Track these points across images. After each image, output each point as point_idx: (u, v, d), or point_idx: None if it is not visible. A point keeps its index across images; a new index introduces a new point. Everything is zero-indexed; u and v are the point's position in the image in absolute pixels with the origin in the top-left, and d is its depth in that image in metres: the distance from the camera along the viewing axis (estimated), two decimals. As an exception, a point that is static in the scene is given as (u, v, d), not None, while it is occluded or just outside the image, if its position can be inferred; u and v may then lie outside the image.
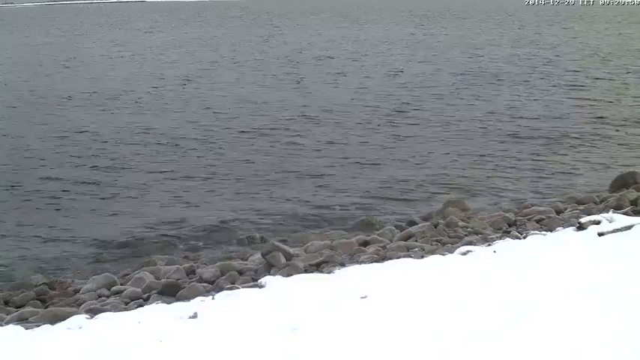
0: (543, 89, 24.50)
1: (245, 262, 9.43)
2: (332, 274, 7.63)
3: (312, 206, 12.31)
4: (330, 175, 14.32)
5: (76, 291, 8.77)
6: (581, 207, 11.12)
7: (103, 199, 12.97)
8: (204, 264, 9.56)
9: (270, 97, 24.03)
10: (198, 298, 7.11)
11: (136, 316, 6.33)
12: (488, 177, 13.92)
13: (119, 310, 7.26)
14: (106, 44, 48.57)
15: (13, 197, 13.14)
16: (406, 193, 13.02)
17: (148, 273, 8.97)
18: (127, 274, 9.34)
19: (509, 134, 17.60)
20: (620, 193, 11.44)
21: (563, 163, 14.80)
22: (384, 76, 28.43)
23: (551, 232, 9.15)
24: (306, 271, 8.25)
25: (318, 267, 8.61)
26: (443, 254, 8.07)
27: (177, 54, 40.21)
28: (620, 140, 16.72)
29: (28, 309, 7.96)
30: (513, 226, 10.33)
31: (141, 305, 7.65)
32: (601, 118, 19.39)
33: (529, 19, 67.77)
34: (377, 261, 8.34)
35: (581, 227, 8.48)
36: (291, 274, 7.91)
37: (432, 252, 8.59)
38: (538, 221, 10.35)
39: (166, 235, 11.13)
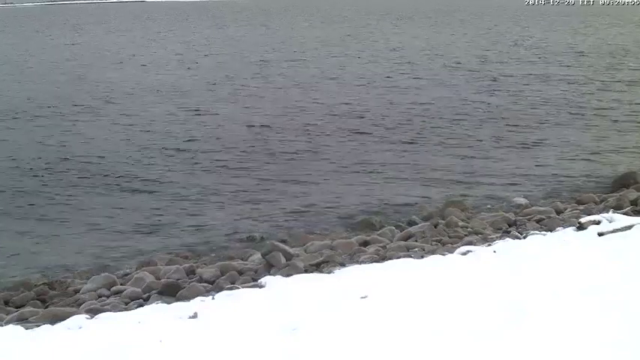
0: (542, 90, 24.49)
1: (245, 262, 9.43)
2: (332, 274, 7.64)
3: (312, 206, 12.30)
4: (330, 175, 14.31)
5: (76, 291, 8.77)
6: (581, 207, 11.13)
7: (103, 199, 12.96)
8: (204, 264, 9.56)
9: (269, 98, 24.00)
10: (198, 298, 7.12)
11: (136, 316, 6.34)
12: (488, 177, 13.91)
13: (119, 310, 7.27)
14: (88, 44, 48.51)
15: (13, 197, 13.12)
16: (406, 193, 13.01)
17: (147, 273, 8.97)
18: (127, 274, 9.34)
19: (509, 135, 17.58)
20: (620, 193, 11.46)
21: (564, 163, 14.79)
22: (379, 77, 28.33)
23: (551, 232, 9.16)
24: (306, 271, 8.26)
25: (318, 267, 8.61)
26: (443, 254, 8.08)
27: (164, 54, 40.13)
28: (620, 140, 16.72)
29: (28, 309, 7.96)
30: (513, 226, 10.34)
31: (141, 305, 7.66)
32: (600, 118, 19.39)
33: (528, 19, 67.78)
34: (377, 261, 8.35)
35: (581, 227, 8.49)
36: (291, 274, 7.91)
37: (432, 252, 8.60)
38: (538, 221, 10.36)
39: (166, 235, 11.12)
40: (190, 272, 9.05)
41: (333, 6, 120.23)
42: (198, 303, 6.70)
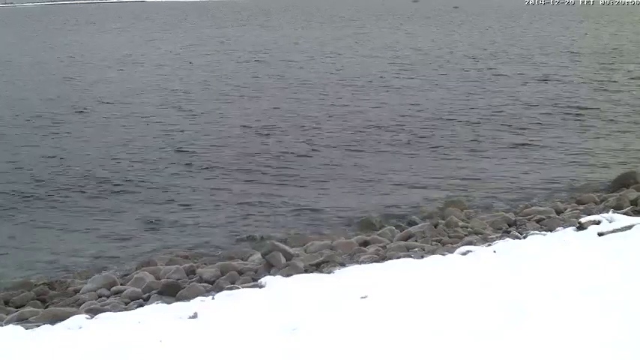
0: (540, 90, 24.48)
1: (245, 262, 9.42)
2: (332, 274, 7.64)
3: (312, 206, 12.30)
4: (330, 175, 14.31)
5: (76, 291, 8.77)
6: (581, 207, 11.13)
7: (103, 199, 12.96)
8: (204, 264, 9.56)
9: (267, 99, 23.99)
10: (198, 298, 7.12)
11: (136, 316, 6.34)
12: (489, 177, 13.91)
13: (119, 310, 7.27)
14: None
15: (13, 198, 13.13)
16: (406, 193, 13.00)
17: (148, 273, 8.97)
18: (127, 274, 9.34)
19: (509, 135, 17.59)
20: (620, 193, 11.45)
21: (563, 163, 14.79)
22: (377, 78, 28.29)
23: (551, 232, 9.16)
24: (306, 271, 8.26)
25: (318, 267, 8.61)
26: (443, 254, 8.08)
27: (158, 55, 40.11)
28: (620, 140, 16.72)
29: (28, 309, 7.96)
30: (513, 226, 10.34)
31: (141, 305, 7.66)
32: (600, 118, 19.39)
33: (527, 19, 67.80)
34: (377, 261, 8.35)
35: (581, 227, 8.49)
36: (291, 274, 7.92)
37: (432, 252, 8.60)
38: (538, 221, 10.36)
39: (166, 235, 11.12)
40: (190, 272, 9.05)
41: (332, 6, 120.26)
42: (198, 303, 6.70)
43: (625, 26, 54.06)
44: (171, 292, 8.08)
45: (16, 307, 8.25)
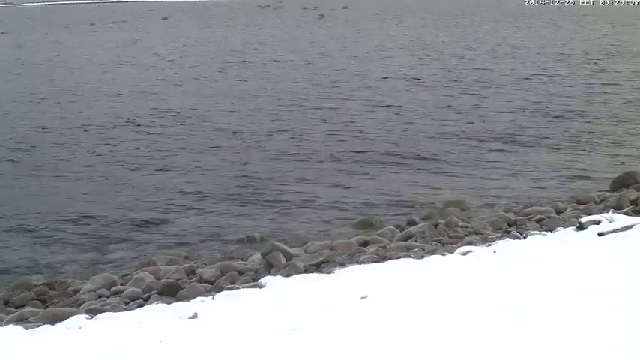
0: (540, 91, 24.48)
1: (245, 262, 9.42)
2: (332, 274, 7.64)
3: (311, 206, 12.31)
4: (329, 175, 14.32)
5: (76, 291, 8.76)
6: (581, 207, 11.12)
7: (103, 199, 12.96)
8: (204, 264, 9.56)
9: (263, 100, 23.97)
10: (198, 298, 7.12)
11: (136, 316, 6.34)
12: (488, 177, 13.92)
13: (119, 310, 7.26)
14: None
15: (13, 196, 13.14)
16: (406, 193, 13.01)
17: (148, 273, 8.96)
18: (127, 274, 9.34)
19: (509, 135, 17.59)
20: (620, 193, 11.44)
21: (563, 163, 14.80)
22: (384, 78, 28.34)
23: (551, 232, 9.15)
24: (306, 271, 8.25)
25: (318, 267, 8.61)
26: (443, 254, 8.08)
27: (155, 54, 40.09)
28: (620, 140, 16.72)
29: (28, 309, 7.96)
30: (513, 226, 10.33)
31: (141, 305, 7.65)
32: (600, 117, 19.40)
33: (526, 20, 67.76)
34: (377, 261, 8.35)
35: (581, 227, 8.49)
36: (291, 274, 7.91)
37: (432, 252, 8.60)
38: (538, 221, 10.35)
39: (166, 235, 11.12)
40: (190, 272, 9.04)
41: (330, 5, 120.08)
42: (198, 303, 6.70)
43: (618, 27, 54.02)
44: (171, 292, 8.07)
45: (16, 307, 8.24)
